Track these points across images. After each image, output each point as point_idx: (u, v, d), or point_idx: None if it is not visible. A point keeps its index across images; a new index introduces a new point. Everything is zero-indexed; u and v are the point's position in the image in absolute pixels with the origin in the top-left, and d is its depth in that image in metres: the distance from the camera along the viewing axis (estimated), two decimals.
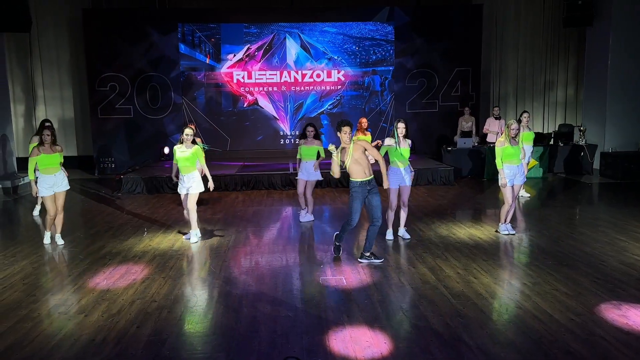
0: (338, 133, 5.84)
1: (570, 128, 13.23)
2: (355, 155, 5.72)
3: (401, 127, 6.60)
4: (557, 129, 14.02)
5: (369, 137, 9.04)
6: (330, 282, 5.26)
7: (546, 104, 15.34)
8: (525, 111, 9.88)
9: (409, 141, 6.82)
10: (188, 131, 6.90)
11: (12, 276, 5.57)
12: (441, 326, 4.18)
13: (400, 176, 6.66)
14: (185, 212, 7.66)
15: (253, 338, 4.04)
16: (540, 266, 5.61)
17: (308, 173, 7.79)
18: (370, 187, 5.77)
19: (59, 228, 6.89)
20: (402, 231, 6.90)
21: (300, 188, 7.88)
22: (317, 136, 7.94)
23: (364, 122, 9.40)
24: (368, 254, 5.90)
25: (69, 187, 7.08)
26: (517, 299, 4.71)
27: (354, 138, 5.89)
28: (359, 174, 5.73)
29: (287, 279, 5.42)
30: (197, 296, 4.93)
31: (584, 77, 13.51)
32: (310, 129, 7.87)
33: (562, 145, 12.31)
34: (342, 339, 3.99)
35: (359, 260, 5.90)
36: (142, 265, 5.92)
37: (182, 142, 6.89)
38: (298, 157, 7.95)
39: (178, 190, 7.10)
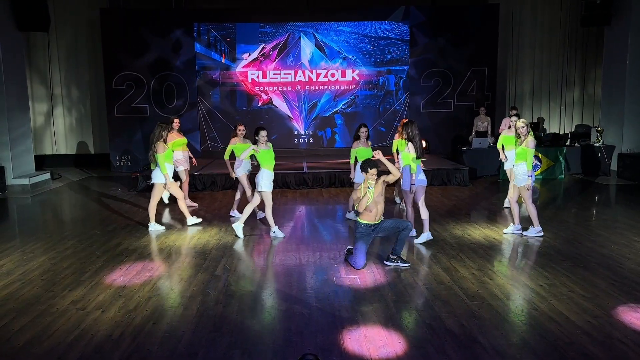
0: (363, 174, 5.59)
1: (587, 129, 13.09)
2: (377, 197, 5.57)
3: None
4: (573, 130, 13.87)
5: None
6: (345, 282, 5.26)
7: (563, 104, 15.19)
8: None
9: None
10: (264, 133, 6.97)
11: (31, 272, 5.66)
12: (456, 327, 4.16)
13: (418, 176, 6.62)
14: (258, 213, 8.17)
15: (268, 336, 4.07)
16: (556, 268, 5.56)
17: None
18: (376, 230, 5.68)
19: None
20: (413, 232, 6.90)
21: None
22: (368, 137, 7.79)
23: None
24: (395, 257, 5.74)
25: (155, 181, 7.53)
26: (533, 300, 4.67)
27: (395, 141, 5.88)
28: (370, 217, 5.62)
29: (301, 277, 5.44)
30: (212, 293, 4.96)
31: (601, 77, 13.35)
32: (363, 129, 7.62)
33: (578, 146, 12.18)
34: (356, 338, 3.99)
35: (385, 262, 5.78)
36: (158, 262, 5.98)
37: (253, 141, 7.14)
38: (352, 161, 7.70)
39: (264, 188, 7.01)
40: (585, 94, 15.09)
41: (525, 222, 7.10)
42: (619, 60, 12.11)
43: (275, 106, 14.11)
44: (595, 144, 12.08)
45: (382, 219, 5.74)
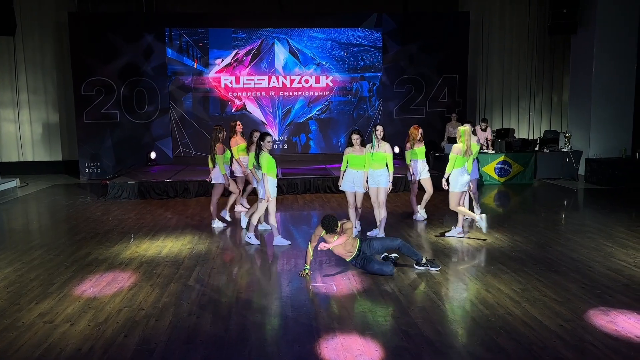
0: (326, 234, 5.50)
1: (556, 134, 13.38)
2: (337, 248, 5.61)
3: (379, 130, 7.01)
4: (542, 135, 14.16)
5: (423, 148, 8.19)
6: (321, 289, 5.23)
7: (532, 111, 15.50)
8: (484, 120, 10.23)
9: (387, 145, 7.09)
10: (269, 139, 6.88)
11: None
12: (432, 333, 4.17)
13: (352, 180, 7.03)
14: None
15: (243, 347, 4.00)
16: (528, 272, 5.63)
17: (355, 184, 7.14)
18: (361, 257, 5.63)
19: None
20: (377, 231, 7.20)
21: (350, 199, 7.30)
22: (364, 143, 7.16)
23: (418, 131, 8.12)
24: (424, 260, 5.77)
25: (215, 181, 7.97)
26: (507, 305, 4.72)
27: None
28: (346, 255, 5.66)
29: (276, 286, 5.38)
30: (186, 304, 4.86)
31: (569, 84, 13.68)
32: (355, 136, 7.11)
33: (547, 151, 12.43)
34: (333, 347, 3.96)
35: (415, 267, 5.80)
36: (129, 272, 5.84)
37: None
38: (342, 168, 7.26)
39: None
40: (553, 100, 15.45)
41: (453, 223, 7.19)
42: (585, 68, 12.43)
43: (249, 112, 14.03)
44: (564, 149, 12.35)
45: (359, 244, 5.68)
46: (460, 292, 5.10)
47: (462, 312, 4.59)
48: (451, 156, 6.97)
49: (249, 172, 7.97)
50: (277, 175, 6.98)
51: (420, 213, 8.37)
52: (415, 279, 5.46)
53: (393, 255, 5.99)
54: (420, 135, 8.09)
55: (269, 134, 6.90)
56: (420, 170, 8.14)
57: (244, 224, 7.77)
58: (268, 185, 6.70)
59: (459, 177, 6.96)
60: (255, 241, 6.98)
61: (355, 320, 4.46)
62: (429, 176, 8.21)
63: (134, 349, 3.97)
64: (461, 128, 7.05)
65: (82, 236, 7.55)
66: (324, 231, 5.50)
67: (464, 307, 4.69)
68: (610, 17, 11.98)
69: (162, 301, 4.94)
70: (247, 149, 8.38)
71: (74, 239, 7.42)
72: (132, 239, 7.31)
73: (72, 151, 14.09)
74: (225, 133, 7.96)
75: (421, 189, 8.33)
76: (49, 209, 9.84)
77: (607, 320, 4.36)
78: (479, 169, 8.40)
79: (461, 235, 7.20)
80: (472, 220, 7.70)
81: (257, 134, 7.79)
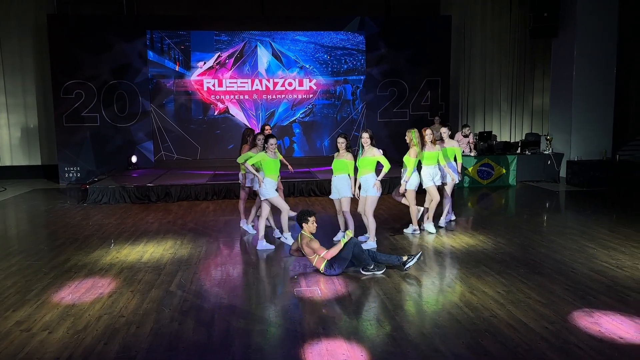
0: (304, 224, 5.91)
1: (537, 137, 13.51)
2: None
3: (364, 137, 6.85)
4: (524, 138, 14.29)
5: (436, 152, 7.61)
6: (305, 294, 5.17)
7: (513, 114, 15.65)
8: (466, 125, 10.33)
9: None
10: (273, 140, 6.81)
11: None
12: (418, 336, 4.14)
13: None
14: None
15: (226, 353, 3.92)
16: (512, 274, 5.64)
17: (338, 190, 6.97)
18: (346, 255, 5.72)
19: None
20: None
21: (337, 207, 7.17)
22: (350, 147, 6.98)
23: (428, 132, 7.52)
24: (372, 266, 5.75)
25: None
26: (492, 307, 4.71)
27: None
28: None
29: (260, 291, 5.31)
30: (167, 310, 4.77)
31: (550, 87, 13.83)
32: (339, 140, 6.91)
33: (529, 153, 12.54)
34: (318, 352, 3.91)
35: (362, 271, 5.78)
36: (109, 278, 5.72)
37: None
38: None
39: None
40: (535, 103, 15.61)
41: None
42: (566, 71, 12.58)
43: (232, 115, 13.93)
44: (545, 152, 12.47)
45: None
46: (445, 294, 5.08)
47: (447, 315, 4.57)
48: (411, 160, 7.23)
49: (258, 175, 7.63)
50: (277, 178, 6.94)
51: (428, 227, 7.68)
52: (400, 282, 5.44)
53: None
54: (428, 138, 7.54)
55: (272, 136, 6.87)
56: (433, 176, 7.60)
57: (277, 234, 7.54)
58: (264, 185, 6.72)
59: (414, 178, 7.34)
60: (289, 240, 6.94)
61: (341, 324, 4.41)
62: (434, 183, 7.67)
63: (114, 357, 3.87)
64: (412, 131, 7.25)
65: (62, 242, 7.39)
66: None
67: (449, 310, 4.67)
68: (590, 21, 12.14)
69: (143, 308, 4.84)
70: (241, 150, 8.03)
71: (53, 244, 7.27)
72: (113, 245, 7.18)
73: (52, 155, 13.85)
74: (253, 136, 7.58)
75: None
76: (28, 214, 9.64)
77: (591, 321, 4.37)
78: (458, 173, 8.23)
79: (417, 232, 7.53)
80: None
81: (261, 137, 7.46)
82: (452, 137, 9.90)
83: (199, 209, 9.71)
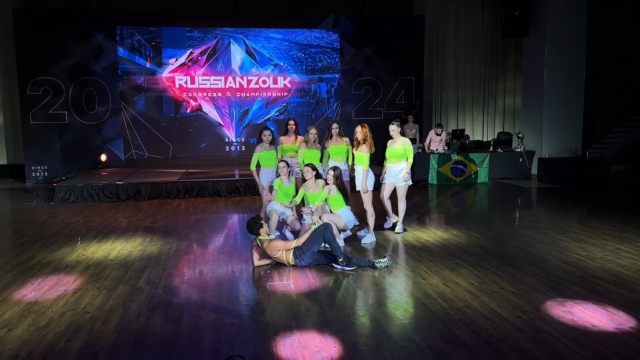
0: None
1: (509, 135, 13.65)
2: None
3: (335, 128, 7.34)
4: (496, 137, 14.43)
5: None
6: (278, 288, 5.07)
7: (486, 112, 15.80)
8: (439, 125, 10.31)
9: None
10: (267, 132, 7.29)
11: None
12: (391, 327, 4.08)
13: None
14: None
15: (195, 348, 3.79)
16: (485, 266, 5.64)
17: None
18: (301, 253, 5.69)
19: None
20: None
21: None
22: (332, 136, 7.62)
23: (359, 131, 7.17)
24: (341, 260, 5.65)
25: None
26: (465, 298, 4.68)
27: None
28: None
29: (232, 286, 5.19)
30: (134, 306, 4.61)
31: (521, 86, 14.01)
32: (312, 130, 7.36)
33: (501, 151, 12.67)
34: (290, 345, 3.81)
35: (334, 265, 5.68)
36: (74, 275, 5.52)
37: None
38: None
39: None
40: (507, 102, 15.79)
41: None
42: (537, 70, 12.75)
43: (205, 113, 13.73)
44: (517, 150, 12.61)
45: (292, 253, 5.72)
46: (419, 286, 5.03)
47: (420, 306, 4.52)
48: (365, 156, 6.93)
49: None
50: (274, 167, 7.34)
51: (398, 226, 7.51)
52: (374, 275, 5.38)
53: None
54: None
55: (267, 128, 7.35)
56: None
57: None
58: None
59: (371, 176, 7.18)
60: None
61: (314, 317, 4.32)
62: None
63: (76, 354, 3.71)
64: (364, 129, 6.99)
65: (26, 240, 7.13)
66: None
67: (423, 301, 4.62)
68: (560, 21, 12.32)
69: (109, 304, 4.67)
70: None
71: (17, 242, 7.00)
72: (79, 242, 6.95)
73: (18, 154, 13.42)
74: (264, 132, 7.39)
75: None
76: None
77: (563, 310, 4.37)
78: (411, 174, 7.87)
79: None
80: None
81: (267, 132, 7.40)
82: (424, 130, 9.83)
83: (170, 207, 9.51)
